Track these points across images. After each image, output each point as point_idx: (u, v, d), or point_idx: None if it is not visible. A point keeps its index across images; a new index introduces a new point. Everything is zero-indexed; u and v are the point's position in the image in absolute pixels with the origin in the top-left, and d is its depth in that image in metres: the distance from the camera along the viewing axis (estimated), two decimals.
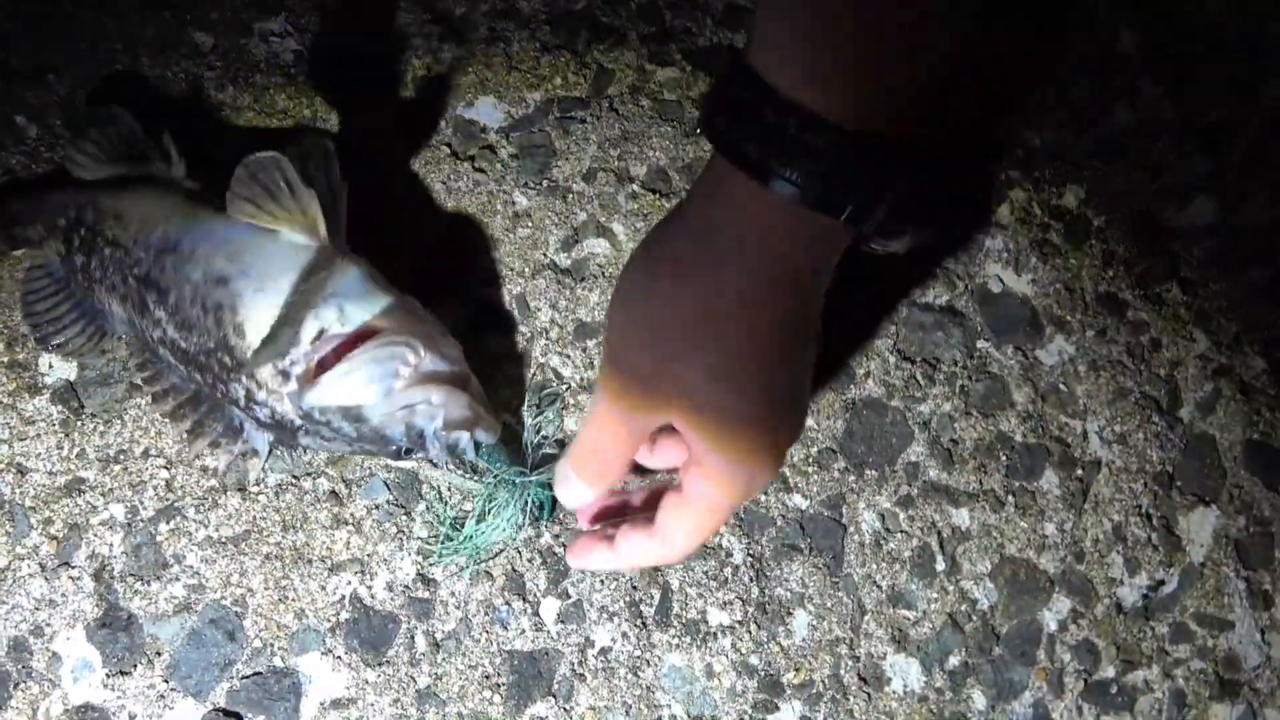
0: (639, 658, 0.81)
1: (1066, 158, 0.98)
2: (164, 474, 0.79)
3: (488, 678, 0.79)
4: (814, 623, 0.84)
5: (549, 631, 0.80)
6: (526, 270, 0.86)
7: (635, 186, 0.90)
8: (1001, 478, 0.89)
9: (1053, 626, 0.87)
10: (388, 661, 0.78)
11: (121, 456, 0.79)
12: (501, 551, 0.80)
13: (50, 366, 0.80)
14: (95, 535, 0.77)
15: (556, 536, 0.82)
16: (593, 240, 0.87)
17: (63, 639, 0.75)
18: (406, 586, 0.79)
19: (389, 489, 0.81)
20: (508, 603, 0.80)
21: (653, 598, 0.82)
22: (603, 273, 0.87)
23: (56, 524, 0.77)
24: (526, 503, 0.79)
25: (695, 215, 0.53)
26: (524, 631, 0.80)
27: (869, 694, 0.83)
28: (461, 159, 0.88)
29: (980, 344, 0.91)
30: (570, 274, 0.87)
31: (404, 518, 0.81)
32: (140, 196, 0.76)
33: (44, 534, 0.77)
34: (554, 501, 0.79)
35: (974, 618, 0.86)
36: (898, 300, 0.90)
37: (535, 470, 0.79)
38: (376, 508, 0.80)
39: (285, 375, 0.69)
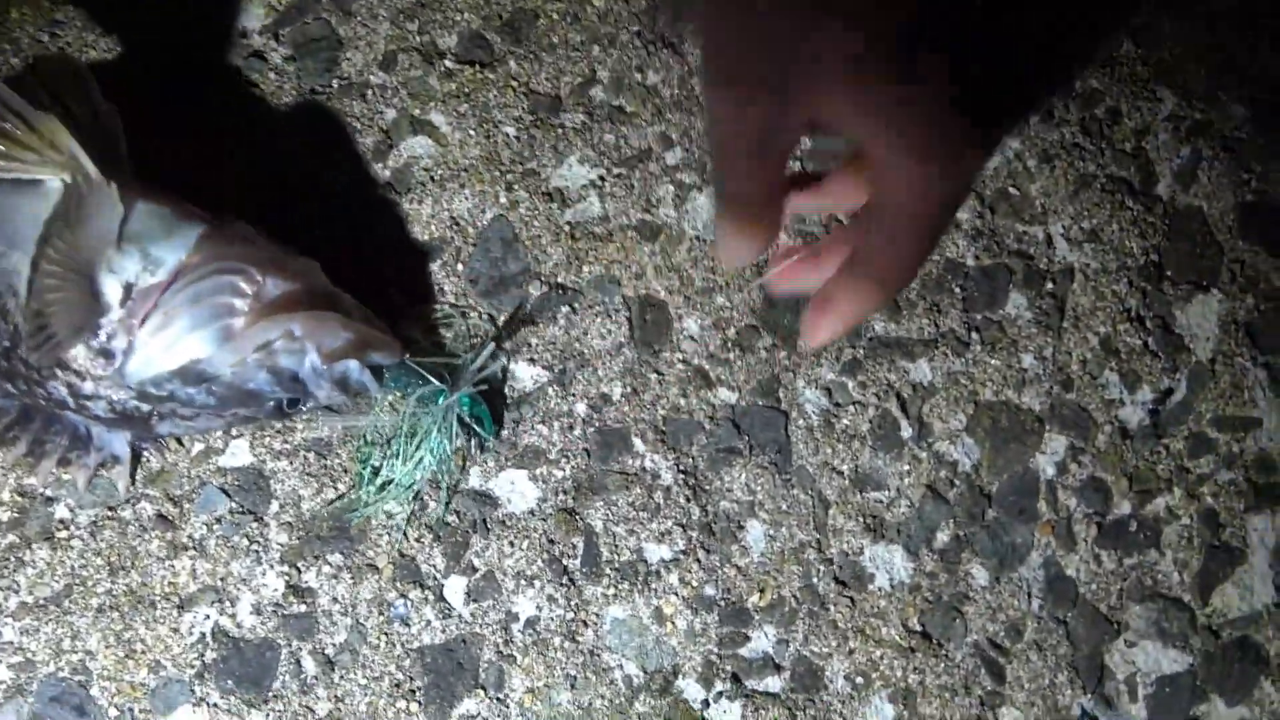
0: (574, 620, 0.73)
1: None
2: None
3: (399, 686, 0.71)
4: (771, 532, 0.76)
5: (460, 616, 0.72)
6: (336, 192, 0.75)
7: (448, 62, 0.78)
8: (959, 314, 0.80)
9: (1050, 471, 0.80)
10: (275, 696, 0.70)
11: None
12: (426, 482, 0.72)
13: None
14: None
15: (448, 505, 0.73)
16: (410, 140, 0.76)
17: None
18: (277, 604, 0.71)
19: (228, 495, 0.72)
20: (403, 595, 0.72)
21: (575, 548, 0.74)
22: (430, 177, 0.76)
23: None
24: (451, 424, 0.70)
25: None
26: (430, 623, 0.72)
27: (851, 598, 0.76)
28: (227, 75, 0.76)
29: None
30: (392, 187, 0.76)
31: (254, 524, 0.72)
32: None
33: None
34: (495, 413, 0.71)
35: (957, 482, 0.79)
36: None
37: (474, 383, 0.70)
38: (218, 521, 0.71)
39: (107, 354, 0.60)
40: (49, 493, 0.70)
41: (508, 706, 0.72)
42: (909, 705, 0.76)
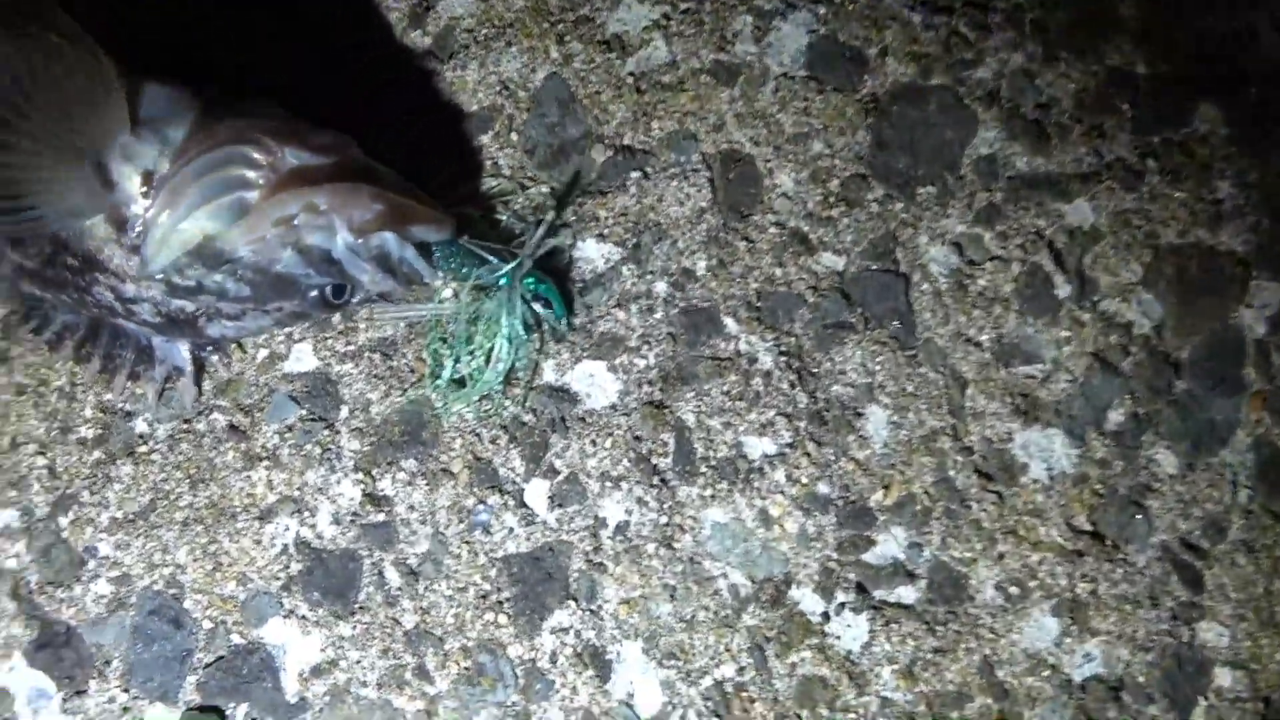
0: (668, 525, 0.66)
1: None
2: (41, 461, 0.70)
3: (485, 597, 0.67)
4: (895, 419, 0.65)
5: (544, 522, 0.67)
6: (373, 66, 0.69)
7: None
8: (1129, 137, 0.64)
9: (1260, 329, 0.64)
10: (361, 607, 0.67)
11: None
12: (513, 374, 0.66)
13: None
14: None
15: (524, 401, 0.67)
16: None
17: (5, 671, 0.70)
18: (355, 514, 0.68)
19: (297, 402, 0.69)
20: (481, 500, 0.67)
21: (665, 445, 0.66)
22: (474, 39, 0.68)
23: None
24: (516, 306, 0.63)
25: None
26: (512, 530, 0.67)
27: (998, 493, 0.64)
28: None
29: None
30: (433, 54, 0.69)
31: (325, 431, 0.69)
32: None
33: None
34: (564, 296, 0.64)
35: (1133, 349, 0.64)
36: None
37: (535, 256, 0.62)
38: (289, 429, 0.69)
39: (137, 250, 0.58)
40: (127, 407, 0.70)
41: (602, 619, 0.66)
42: (1077, 619, 0.64)
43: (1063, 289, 0.65)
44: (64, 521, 0.70)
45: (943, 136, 0.65)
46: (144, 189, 0.56)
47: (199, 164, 0.55)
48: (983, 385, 0.65)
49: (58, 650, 0.70)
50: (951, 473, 0.65)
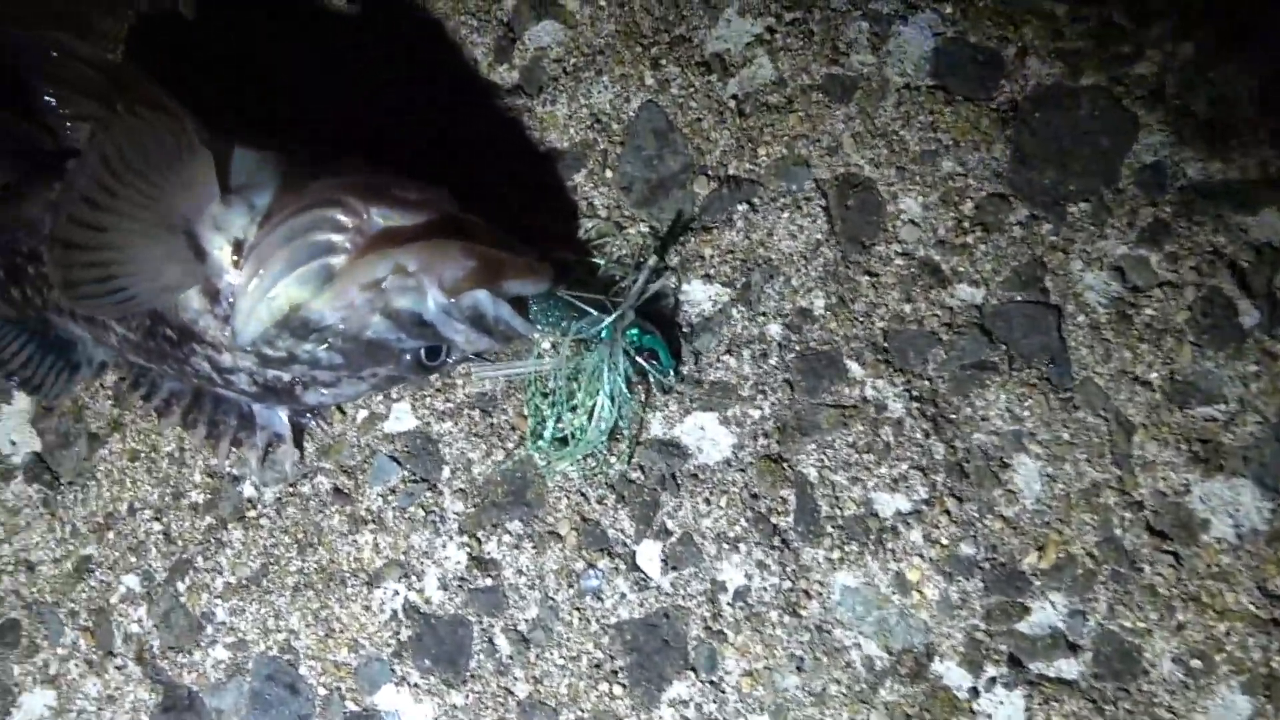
0: (793, 590, 0.61)
1: None
2: (157, 526, 0.71)
3: (599, 666, 0.63)
4: (1049, 470, 0.57)
5: (659, 587, 0.63)
6: (458, 106, 0.65)
7: None
8: None
9: None
10: (472, 676, 0.65)
11: (111, 520, 0.72)
12: (617, 430, 0.62)
13: (13, 444, 0.75)
14: (120, 615, 0.71)
15: (630, 458, 0.63)
16: (535, 29, 0.64)
17: None
18: (462, 578, 0.65)
19: (399, 463, 0.67)
20: (591, 564, 0.63)
21: (785, 502, 0.61)
22: (563, 69, 0.63)
23: (82, 614, 0.73)
24: (619, 361, 0.59)
25: None
26: (625, 596, 0.63)
27: (1175, 554, 0.56)
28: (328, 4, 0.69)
29: None
30: (521, 89, 0.64)
31: (428, 493, 0.66)
32: (31, 194, 0.67)
33: (76, 628, 0.73)
34: (670, 345, 0.60)
35: None
36: None
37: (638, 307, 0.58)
38: (392, 492, 0.67)
39: (229, 320, 0.57)
40: (235, 471, 0.69)
41: (724, 691, 0.61)
42: (1274, 697, 0.55)
43: (1249, 316, 0.55)
44: (181, 586, 0.70)
45: (1097, 145, 0.56)
46: (235, 258, 0.54)
47: (283, 231, 0.52)
48: (1153, 430, 0.56)
49: (181, 714, 0.70)
50: (1118, 531, 0.57)
